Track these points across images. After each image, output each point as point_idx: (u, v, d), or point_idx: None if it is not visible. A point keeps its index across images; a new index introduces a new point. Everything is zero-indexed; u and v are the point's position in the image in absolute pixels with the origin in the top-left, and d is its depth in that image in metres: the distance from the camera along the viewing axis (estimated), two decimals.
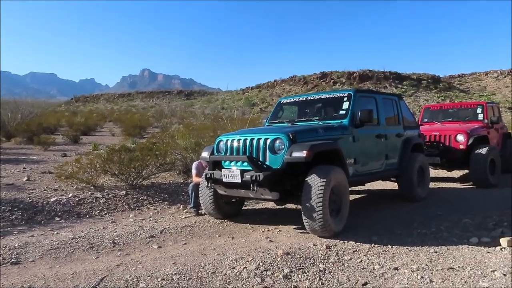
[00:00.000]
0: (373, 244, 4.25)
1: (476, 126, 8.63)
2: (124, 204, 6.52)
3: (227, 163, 4.97)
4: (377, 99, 6.19)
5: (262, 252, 3.98)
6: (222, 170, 4.84)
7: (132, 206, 6.48)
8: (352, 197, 7.06)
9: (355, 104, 5.56)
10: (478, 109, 9.41)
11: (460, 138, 8.03)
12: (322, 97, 6.23)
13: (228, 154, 4.98)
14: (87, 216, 5.93)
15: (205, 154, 5.33)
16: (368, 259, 3.82)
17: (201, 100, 56.33)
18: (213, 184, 5.04)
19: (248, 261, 3.72)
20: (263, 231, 4.94)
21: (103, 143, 14.08)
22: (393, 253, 3.98)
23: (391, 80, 60.07)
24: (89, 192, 6.77)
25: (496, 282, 3.23)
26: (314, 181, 4.32)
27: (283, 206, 6.15)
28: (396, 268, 3.57)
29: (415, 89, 57.98)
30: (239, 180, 4.59)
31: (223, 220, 5.54)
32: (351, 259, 3.82)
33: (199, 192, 5.53)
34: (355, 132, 5.39)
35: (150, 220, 5.74)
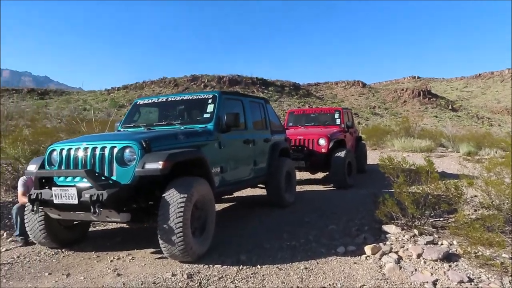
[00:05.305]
0: (241, 266, 3.73)
1: (335, 130, 9.04)
2: None
3: (61, 178, 3.90)
4: (243, 102, 5.80)
5: None
6: (53, 188, 3.74)
7: None
8: (219, 206, 6.56)
9: (221, 107, 5.05)
10: (336, 114, 9.96)
11: (322, 142, 8.27)
12: (184, 99, 5.56)
13: (63, 167, 3.91)
14: None
15: (32, 167, 4.11)
16: (235, 286, 3.28)
17: (58, 100, 49.91)
18: (41, 207, 3.89)
19: None
20: (111, 261, 3.99)
21: None
22: (263, 275, 3.53)
23: (258, 86, 63.04)
24: None
25: None
26: (173, 198, 3.61)
27: None
28: None
29: (279, 95, 62.01)
30: (75, 201, 3.58)
31: (59, 250, 4.34)
32: None
33: (25, 217, 4.25)
34: (221, 138, 4.87)
35: None
